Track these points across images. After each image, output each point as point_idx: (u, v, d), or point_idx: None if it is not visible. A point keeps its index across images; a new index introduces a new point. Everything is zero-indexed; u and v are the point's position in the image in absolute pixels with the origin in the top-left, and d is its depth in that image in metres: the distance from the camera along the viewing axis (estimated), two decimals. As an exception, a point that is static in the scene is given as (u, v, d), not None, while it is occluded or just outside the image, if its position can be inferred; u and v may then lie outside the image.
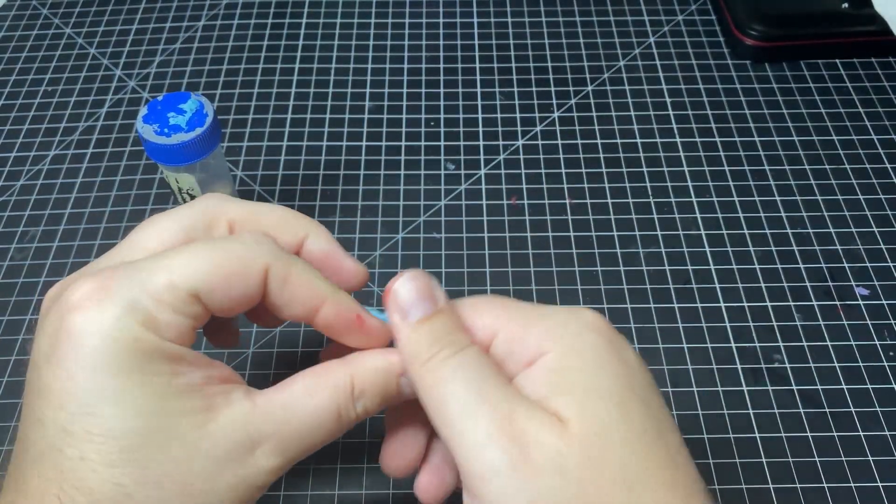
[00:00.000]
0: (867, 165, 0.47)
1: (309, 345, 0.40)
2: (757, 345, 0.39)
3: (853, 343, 0.39)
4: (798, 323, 0.40)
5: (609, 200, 0.45)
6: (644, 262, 0.43)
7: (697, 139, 0.49)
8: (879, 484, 0.35)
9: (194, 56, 0.54)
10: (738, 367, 0.39)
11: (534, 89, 0.52)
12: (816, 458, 0.35)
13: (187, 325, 0.22)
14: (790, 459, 0.35)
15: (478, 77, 0.53)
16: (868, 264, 0.42)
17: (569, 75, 0.53)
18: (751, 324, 0.40)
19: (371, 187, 0.47)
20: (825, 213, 0.45)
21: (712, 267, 0.42)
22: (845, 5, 0.53)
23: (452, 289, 0.41)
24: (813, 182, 0.46)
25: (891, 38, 0.51)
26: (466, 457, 0.21)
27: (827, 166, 0.47)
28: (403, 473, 0.26)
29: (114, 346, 0.21)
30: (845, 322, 0.40)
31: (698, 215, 0.45)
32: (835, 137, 0.49)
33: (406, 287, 0.24)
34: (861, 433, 0.36)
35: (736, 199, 0.45)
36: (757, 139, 0.49)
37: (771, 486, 0.35)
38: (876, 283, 0.42)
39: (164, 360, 0.21)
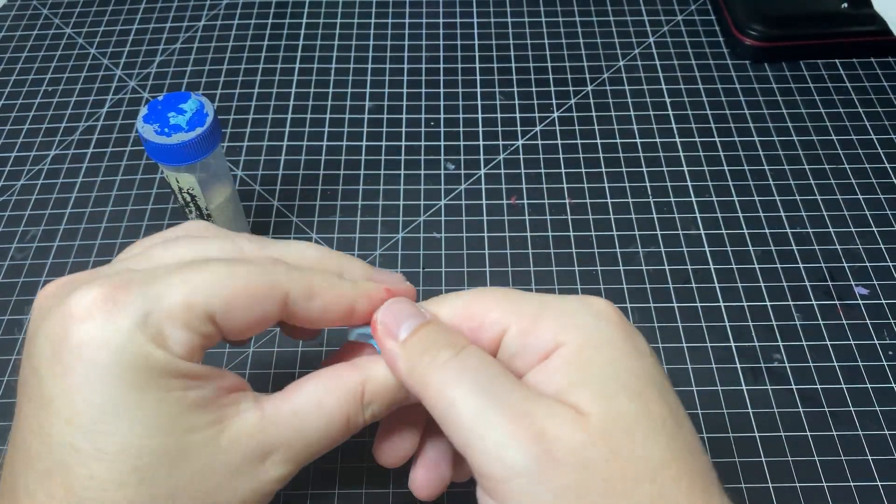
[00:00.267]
0: (866, 165, 0.47)
1: (309, 345, 0.40)
2: (756, 344, 0.39)
3: (852, 342, 0.39)
4: (797, 322, 0.40)
5: (609, 200, 0.46)
6: (644, 262, 0.43)
7: (697, 139, 0.49)
8: (878, 483, 0.35)
9: (194, 56, 0.55)
10: (738, 366, 0.39)
11: (534, 89, 0.52)
12: (816, 458, 0.35)
13: (198, 344, 0.22)
14: (789, 458, 0.35)
15: (478, 77, 0.53)
16: (867, 264, 0.42)
17: (569, 75, 0.53)
18: (750, 323, 0.40)
19: (371, 187, 0.47)
20: (825, 213, 0.45)
21: (712, 266, 0.42)
22: (845, 5, 0.53)
23: (453, 288, 0.41)
24: (812, 182, 0.46)
25: (890, 38, 0.51)
26: (485, 460, 0.20)
27: (826, 166, 0.47)
28: (396, 464, 0.26)
29: (125, 362, 0.20)
30: (845, 322, 0.40)
31: (698, 215, 0.45)
32: (834, 137, 0.49)
33: (387, 312, 0.24)
34: (860, 432, 0.36)
35: (735, 198, 0.45)
36: (756, 139, 0.49)
37: (770, 485, 0.35)
38: (875, 282, 0.42)
39: (175, 376, 0.21)
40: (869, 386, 0.38)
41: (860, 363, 0.39)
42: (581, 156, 0.48)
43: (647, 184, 0.46)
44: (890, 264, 0.42)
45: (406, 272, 0.42)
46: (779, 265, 0.42)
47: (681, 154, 0.48)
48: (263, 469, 0.22)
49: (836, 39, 0.52)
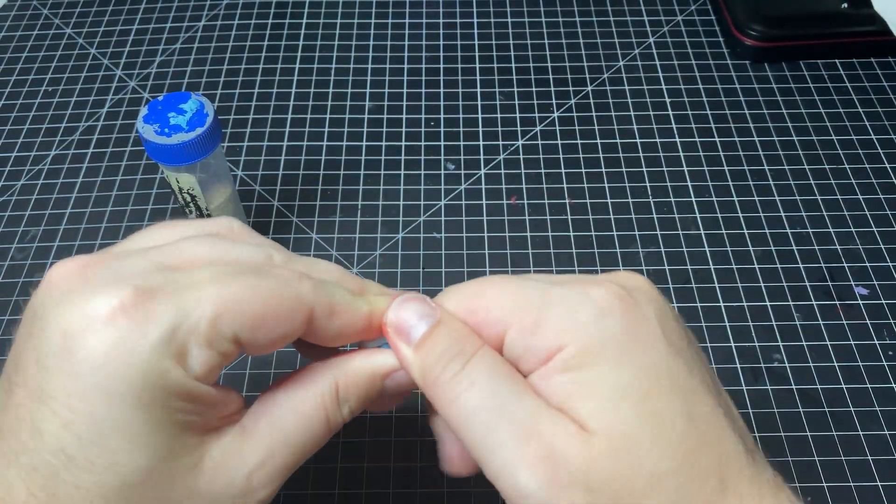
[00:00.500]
0: (866, 165, 0.47)
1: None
2: (756, 344, 0.39)
3: (852, 342, 0.39)
4: (797, 322, 0.40)
5: (609, 200, 0.46)
6: (644, 262, 0.43)
7: (697, 139, 0.49)
8: (878, 483, 0.35)
9: (194, 56, 0.55)
10: (738, 366, 0.39)
11: (534, 89, 0.52)
12: (816, 458, 0.35)
13: (217, 363, 0.21)
14: (789, 459, 0.35)
15: (478, 77, 0.53)
16: (867, 264, 0.42)
17: (569, 75, 0.53)
18: (750, 323, 0.40)
19: (371, 187, 0.47)
20: (824, 213, 0.45)
21: (712, 266, 0.42)
22: (845, 5, 0.53)
23: (451, 286, 0.41)
24: (812, 182, 0.46)
25: (890, 38, 0.51)
26: (497, 478, 0.21)
27: (826, 166, 0.47)
28: (470, 473, 0.25)
29: (141, 378, 0.19)
30: (844, 322, 0.40)
31: (698, 215, 0.45)
32: (834, 137, 0.49)
33: (397, 313, 0.23)
34: (860, 432, 0.36)
35: (735, 198, 0.45)
36: (756, 139, 0.49)
37: (770, 485, 0.35)
38: (875, 282, 0.42)
39: (185, 398, 0.20)
40: (869, 386, 0.38)
41: (860, 363, 0.39)
42: (581, 156, 0.48)
43: (647, 184, 0.46)
44: (890, 264, 0.42)
45: (406, 272, 0.42)
46: (779, 265, 0.42)
47: (681, 154, 0.48)
48: (249, 487, 0.21)
49: (836, 39, 0.52)
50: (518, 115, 0.50)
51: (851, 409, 0.37)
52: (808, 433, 0.36)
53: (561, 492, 0.20)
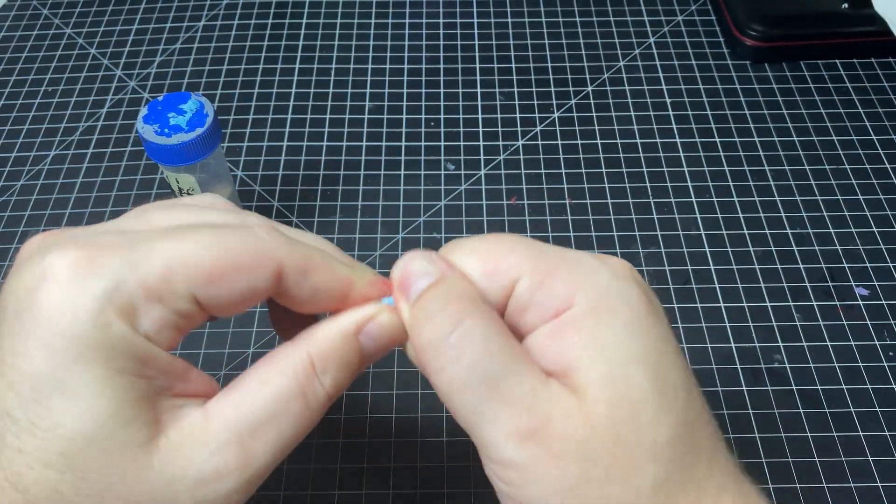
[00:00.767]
0: (867, 165, 0.47)
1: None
2: (757, 345, 0.39)
3: (853, 343, 0.39)
4: (798, 323, 0.40)
5: (609, 200, 0.45)
6: (644, 262, 0.43)
7: (697, 139, 0.49)
8: (879, 484, 0.35)
9: (194, 56, 0.55)
10: (738, 367, 0.39)
11: (534, 89, 0.52)
12: (816, 459, 0.35)
13: (172, 323, 0.20)
14: (790, 459, 0.35)
15: (478, 77, 0.53)
16: (868, 264, 0.42)
17: (569, 75, 0.53)
18: (751, 324, 0.40)
19: (371, 187, 0.47)
20: (825, 214, 0.45)
21: (712, 267, 0.42)
22: (845, 5, 0.53)
23: (466, 236, 0.41)
24: (813, 182, 0.46)
25: (891, 38, 0.51)
26: (485, 450, 0.20)
27: (827, 166, 0.47)
28: None
29: (81, 331, 0.18)
30: (845, 322, 0.40)
31: (698, 215, 0.45)
32: (835, 137, 0.49)
33: (402, 268, 0.22)
34: (861, 433, 0.36)
35: (736, 199, 0.45)
36: (757, 139, 0.49)
37: (770, 486, 0.35)
38: (876, 283, 0.42)
39: (131, 357, 0.19)
40: (869, 387, 0.38)
41: (860, 364, 0.39)
42: (581, 156, 0.48)
43: (648, 184, 0.46)
44: (890, 265, 0.42)
45: (406, 272, 0.42)
46: (779, 266, 0.42)
47: (681, 154, 0.48)
48: (216, 474, 0.20)
49: (836, 39, 0.52)
50: (518, 115, 0.50)
51: (852, 409, 0.37)
52: (809, 434, 0.36)
53: (552, 463, 0.19)
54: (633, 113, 0.50)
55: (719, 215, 0.45)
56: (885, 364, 0.38)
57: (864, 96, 0.51)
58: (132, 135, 0.50)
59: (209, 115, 0.36)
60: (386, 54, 0.54)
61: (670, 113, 0.50)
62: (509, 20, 0.57)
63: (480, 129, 0.50)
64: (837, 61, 0.53)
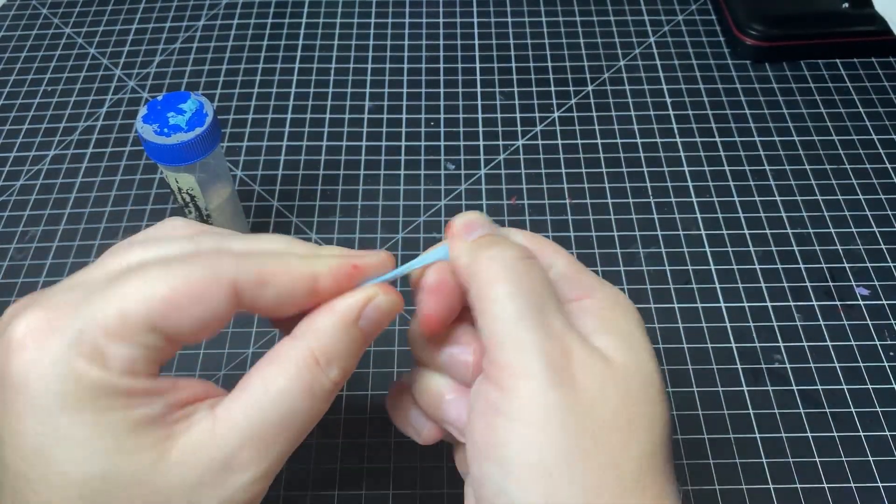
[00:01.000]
0: (867, 165, 0.47)
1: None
2: (757, 345, 0.39)
3: (853, 343, 0.39)
4: (798, 323, 0.40)
5: (609, 200, 0.45)
6: (644, 262, 0.43)
7: (697, 139, 0.49)
8: (880, 484, 0.35)
9: (194, 56, 0.54)
10: (739, 367, 0.38)
11: (534, 89, 0.52)
12: (817, 459, 0.35)
13: (141, 356, 0.20)
14: (790, 459, 0.35)
15: (478, 77, 0.53)
16: (868, 264, 0.42)
17: (569, 75, 0.53)
18: (751, 324, 0.40)
19: (371, 187, 0.46)
20: (825, 213, 0.45)
21: (712, 267, 0.42)
22: (845, 5, 0.53)
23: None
24: (813, 182, 0.46)
25: (891, 38, 0.51)
26: (507, 351, 0.21)
27: (827, 166, 0.47)
28: (440, 329, 0.24)
29: (56, 386, 0.19)
30: (846, 322, 0.40)
31: (698, 215, 0.45)
32: (835, 137, 0.48)
33: (470, 216, 0.25)
34: (861, 433, 0.36)
35: (736, 199, 0.45)
36: (757, 139, 0.49)
37: (771, 486, 0.35)
38: (876, 283, 0.41)
39: (115, 395, 0.20)
40: (870, 387, 0.38)
41: (861, 364, 0.38)
42: (581, 156, 0.48)
43: (648, 184, 0.46)
44: (891, 265, 0.42)
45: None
46: (780, 266, 0.42)
47: (681, 154, 0.48)
48: (230, 477, 0.21)
49: (836, 39, 0.52)
50: (518, 115, 0.50)
51: (852, 409, 0.37)
52: (809, 434, 0.36)
53: (570, 386, 0.21)
54: (633, 113, 0.50)
55: (720, 215, 0.45)
56: (886, 364, 0.38)
57: (864, 96, 0.51)
58: (131, 134, 0.50)
59: (209, 115, 0.36)
60: (386, 54, 0.54)
61: (670, 113, 0.50)
62: (509, 20, 0.57)
63: (480, 129, 0.49)
64: (838, 61, 0.53)
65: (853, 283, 0.42)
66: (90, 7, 0.58)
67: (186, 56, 0.54)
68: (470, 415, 0.22)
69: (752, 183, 0.46)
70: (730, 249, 0.43)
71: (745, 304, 0.41)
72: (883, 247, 0.43)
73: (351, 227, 0.44)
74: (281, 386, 0.21)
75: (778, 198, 0.45)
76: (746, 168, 0.47)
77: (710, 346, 0.39)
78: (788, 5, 0.53)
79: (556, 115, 0.50)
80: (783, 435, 0.36)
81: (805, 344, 0.39)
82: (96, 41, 0.56)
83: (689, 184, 0.46)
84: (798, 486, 0.35)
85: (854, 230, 0.44)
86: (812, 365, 0.38)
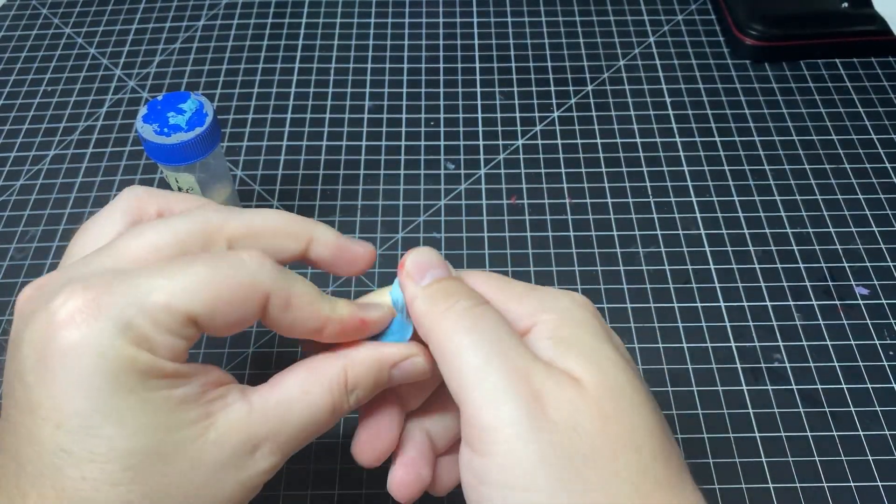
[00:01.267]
0: (867, 165, 0.47)
1: (308, 346, 0.40)
2: (757, 344, 0.39)
3: (853, 342, 0.39)
4: (798, 322, 0.40)
5: (609, 200, 0.45)
6: (644, 262, 0.43)
7: (697, 139, 0.49)
8: (879, 483, 0.35)
9: (194, 56, 0.54)
10: (738, 366, 0.39)
11: (534, 89, 0.52)
12: (816, 458, 0.35)
13: (181, 346, 0.22)
14: (790, 459, 0.35)
15: (478, 77, 0.53)
16: (868, 264, 0.42)
17: (569, 75, 0.53)
18: (751, 323, 0.40)
19: (371, 187, 0.47)
20: (825, 213, 0.45)
21: (712, 266, 0.42)
22: (845, 5, 0.53)
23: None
24: (813, 182, 0.46)
25: (891, 38, 0.51)
26: (478, 407, 0.21)
27: (827, 166, 0.47)
28: (376, 462, 0.26)
29: (110, 366, 0.20)
30: (845, 322, 0.40)
31: (698, 215, 0.45)
32: (835, 137, 0.49)
33: (418, 258, 0.25)
34: (861, 433, 0.36)
35: (736, 198, 0.45)
36: (757, 139, 0.49)
37: (771, 485, 0.35)
38: (876, 282, 0.42)
39: (160, 376, 0.21)
40: (869, 386, 0.38)
41: (861, 363, 0.38)
42: (581, 156, 0.48)
43: (648, 184, 0.46)
44: (890, 264, 0.42)
45: (406, 272, 0.42)
46: (779, 265, 0.42)
47: (681, 154, 0.48)
48: (252, 462, 0.22)
49: (836, 39, 0.52)
50: (518, 115, 0.50)
51: (852, 409, 0.37)
52: (809, 433, 0.36)
53: (547, 426, 0.21)
54: (633, 113, 0.50)
55: (719, 215, 0.45)
56: (885, 363, 0.38)
57: (864, 96, 0.51)
58: (131, 134, 0.50)
59: (209, 115, 0.36)
60: (386, 54, 0.54)
61: (670, 112, 0.50)
62: (509, 20, 0.57)
63: (480, 129, 0.49)
64: (837, 61, 0.53)
65: (853, 283, 0.42)
66: (90, 7, 0.58)
67: (186, 56, 0.54)
68: (462, 485, 0.23)
69: (751, 183, 0.46)
70: (729, 249, 0.43)
71: (745, 304, 0.41)
72: (882, 246, 0.43)
73: (351, 227, 0.45)
74: (314, 394, 0.23)
75: (777, 197, 0.45)
76: (746, 168, 0.47)
77: (709, 345, 0.39)
78: (788, 5, 0.53)
79: (555, 114, 0.50)
80: (783, 434, 0.36)
81: (805, 343, 0.39)
82: (96, 41, 0.56)
83: (689, 183, 0.46)
84: (798, 485, 0.35)
85: (853, 230, 0.44)
86: (812, 364, 0.39)
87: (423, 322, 0.24)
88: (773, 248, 0.43)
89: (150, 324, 0.21)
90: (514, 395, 0.21)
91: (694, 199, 0.45)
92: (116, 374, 0.20)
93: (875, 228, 0.44)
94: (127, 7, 0.58)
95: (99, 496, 0.20)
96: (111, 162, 0.48)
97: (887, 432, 0.36)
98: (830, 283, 0.42)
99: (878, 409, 0.37)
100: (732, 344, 0.39)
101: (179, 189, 0.38)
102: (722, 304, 0.41)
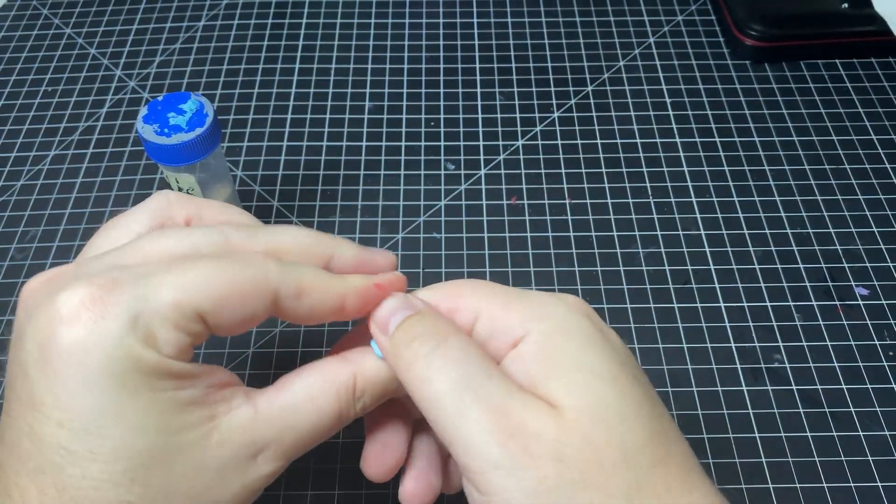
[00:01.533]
0: (867, 165, 0.47)
1: (309, 345, 0.40)
2: (757, 345, 0.39)
3: (853, 343, 0.39)
4: (798, 323, 0.40)
5: (609, 200, 0.45)
6: (644, 262, 0.43)
7: (697, 139, 0.49)
8: (879, 484, 0.35)
9: (194, 56, 0.54)
10: (738, 366, 0.39)
11: (534, 89, 0.52)
12: (816, 458, 0.35)
13: (188, 343, 0.21)
14: (790, 459, 0.35)
15: (478, 77, 0.53)
16: (868, 264, 0.42)
17: (569, 75, 0.53)
18: (750, 324, 0.40)
19: (371, 187, 0.47)
20: (825, 213, 0.45)
21: (712, 267, 0.42)
22: (845, 5, 0.53)
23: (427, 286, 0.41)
24: (813, 182, 0.46)
25: (891, 38, 0.51)
26: (464, 454, 0.21)
27: (827, 166, 0.47)
28: (386, 477, 0.26)
29: (115, 364, 0.20)
30: (845, 322, 0.40)
31: (698, 215, 0.45)
32: (834, 137, 0.49)
33: (382, 308, 0.24)
34: (861, 433, 0.36)
35: (736, 199, 0.45)
36: (757, 139, 0.49)
37: (771, 485, 0.35)
38: (876, 283, 0.42)
39: (166, 376, 0.21)
40: (869, 386, 0.38)
41: (860, 364, 0.39)
42: (581, 156, 0.48)
43: (648, 184, 0.46)
44: (890, 265, 0.42)
45: (406, 273, 0.42)
46: (779, 266, 0.42)
47: (681, 154, 0.48)
48: (255, 465, 0.22)
49: (836, 39, 0.52)
50: (518, 115, 0.50)
51: (852, 409, 0.37)
52: (809, 434, 0.36)
53: (532, 462, 0.20)
54: (633, 113, 0.50)
55: (719, 215, 0.45)
56: (885, 364, 0.38)
57: (864, 96, 0.51)
58: (132, 135, 0.50)
59: (209, 115, 0.36)
60: (386, 54, 0.54)
61: (670, 113, 0.50)
62: (509, 20, 0.57)
63: (480, 129, 0.49)
64: (837, 61, 0.53)
65: (852, 283, 0.42)
66: (90, 7, 0.58)
67: (187, 56, 0.55)
68: None
69: (751, 183, 0.46)
70: (729, 249, 0.43)
71: (745, 304, 0.41)
72: (882, 247, 0.43)
73: (351, 227, 0.45)
74: (321, 400, 0.23)
75: (777, 198, 0.45)
76: (746, 168, 0.47)
77: (709, 345, 0.39)
78: (788, 5, 0.53)
79: (555, 115, 0.50)
80: (782, 434, 0.36)
81: (804, 344, 0.39)
82: (97, 41, 0.56)
83: (689, 184, 0.46)
84: (797, 485, 0.35)
85: (853, 230, 0.44)
86: (811, 365, 0.39)
87: (398, 373, 0.23)
88: (773, 248, 0.43)
89: (157, 320, 0.21)
90: (494, 436, 0.21)
91: (694, 200, 0.45)
92: (122, 373, 0.20)
93: (875, 229, 0.44)
94: (127, 7, 0.58)
95: (99, 496, 0.20)
96: (111, 162, 0.48)
97: (887, 432, 0.36)
98: (830, 284, 0.42)
99: (877, 409, 0.37)
100: (732, 344, 0.39)
101: (180, 189, 0.38)
102: (722, 304, 0.41)
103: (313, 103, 0.51)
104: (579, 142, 0.49)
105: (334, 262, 0.25)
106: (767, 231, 0.44)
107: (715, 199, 0.45)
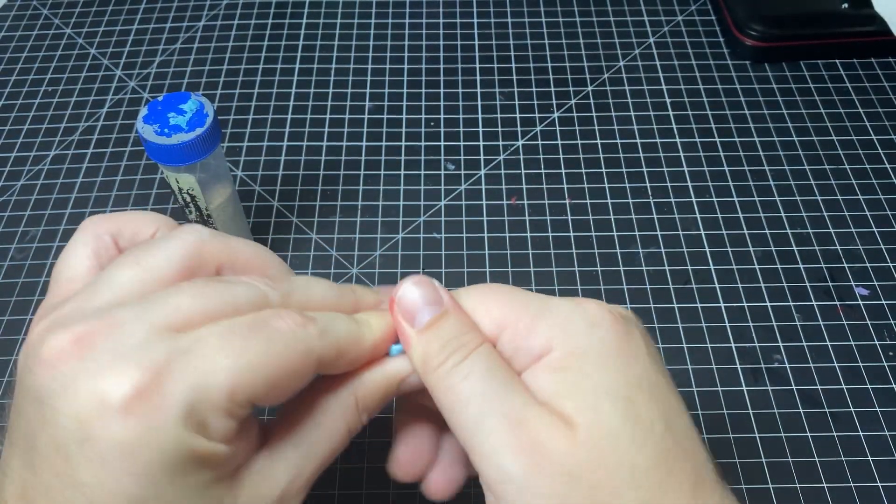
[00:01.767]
0: (867, 165, 0.47)
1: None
2: (757, 345, 0.39)
3: (853, 343, 0.39)
4: (798, 323, 0.40)
5: (609, 200, 0.45)
6: (644, 263, 0.43)
7: (697, 139, 0.49)
8: (879, 484, 0.35)
9: (194, 56, 0.55)
10: (738, 366, 0.39)
11: (534, 89, 0.52)
12: (816, 458, 0.35)
13: (235, 429, 0.21)
14: (790, 459, 0.35)
15: (478, 77, 0.53)
16: (868, 264, 0.42)
17: (569, 75, 0.53)
18: (750, 324, 0.40)
19: (371, 187, 0.47)
20: (825, 213, 0.45)
21: (712, 267, 0.42)
22: (845, 5, 0.53)
23: (452, 289, 0.41)
24: (812, 182, 0.46)
25: (891, 38, 0.51)
26: (482, 462, 0.22)
27: (826, 166, 0.47)
28: (416, 478, 0.26)
29: (167, 458, 0.20)
30: (845, 322, 0.40)
31: (698, 215, 0.45)
32: (834, 137, 0.49)
33: (410, 293, 0.24)
34: (861, 433, 0.36)
35: (736, 199, 0.45)
36: (756, 139, 0.49)
37: (770, 485, 0.35)
38: (876, 283, 0.42)
39: (211, 462, 0.21)
40: (869, 386, 0.38)
41: (860, 364, 0.39)
42: (581, 156, 0.48)
43: (648, 184, 0.46)
44: (890, 265, 0.42)
45: (406, 273, 0.42)
46: (779, 266, 0.42)
47: (681, 154, 0.48)
48: (281, 500, 0.23)
49: (836, 39, 0.52)
50: (518, 115, 0.50)
51: (852, 409, 0.37)
52: (809, 434, 0.36)
53: (543, 478, 0.21)
54: (633, 113, 0.50)
55: (719, 215, 0.45)
56: (885, 364, 0.38)
57: (864, 96, 0.51)
58: (132, 135, 0.50)
59: (209, 115, 0.36)
60: (386, 54, 0.55)
61: (670, 113, 0.50)
62: (509, 20, 0.57)
63: (480, 129, 0.50)
64: (837, 61, 0.53)
65: (852, 283, 0.42)
66: (90, 7, 0.58)
67: (187, 56, 0.55)
68: None
69: (751, 183, 0.46)
70: (729, 249, 0.43)
71: (745, 304, 0.41)
72: (882, 247, 0.43)
73: (351, 227, 0.45)
74: (328, 424, 0.24)
75: (777, 198, 0.45)
76: (746, 168, 0.47)
77: (709, 345, 0.39)
78: (788, 5, 0.53)
79: (555, 115, 0.50)
80: (782, 435, 0.36)
81: (804, 344, 0.39)
82: (97, 41, 0.56)
83: (689, 184, 0.46)
84: (797, 485, 0.35)
85: (853, 230, 0.44)
86: (811, 365, 0.39)
87: (420, 372, 0.24)
88: (773, 248, 0.43)
89: (211, 409, 0.20)
90: (511, 449, 0.21)
91: (694, 200, 0.45)
92: (172, 464, 0.20)
93: (875, 229, 0.44)
94: (127, 7, 0.58)
95: None
96: (112, 162, 0.48)
97: (887, 433, 0.36)
98: (830, 284, 0.42)
99: (877, 409, 0.37)
100: (732, 344, 0.39)
101: (180, 189, 0.38)
102: (722, 304, 0.41)
103: (313, 103, 0.51)
104: (579, 142, 0.49)
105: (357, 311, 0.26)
106: (767, 231, 0.44)
107: (715, 199, 0.45)
